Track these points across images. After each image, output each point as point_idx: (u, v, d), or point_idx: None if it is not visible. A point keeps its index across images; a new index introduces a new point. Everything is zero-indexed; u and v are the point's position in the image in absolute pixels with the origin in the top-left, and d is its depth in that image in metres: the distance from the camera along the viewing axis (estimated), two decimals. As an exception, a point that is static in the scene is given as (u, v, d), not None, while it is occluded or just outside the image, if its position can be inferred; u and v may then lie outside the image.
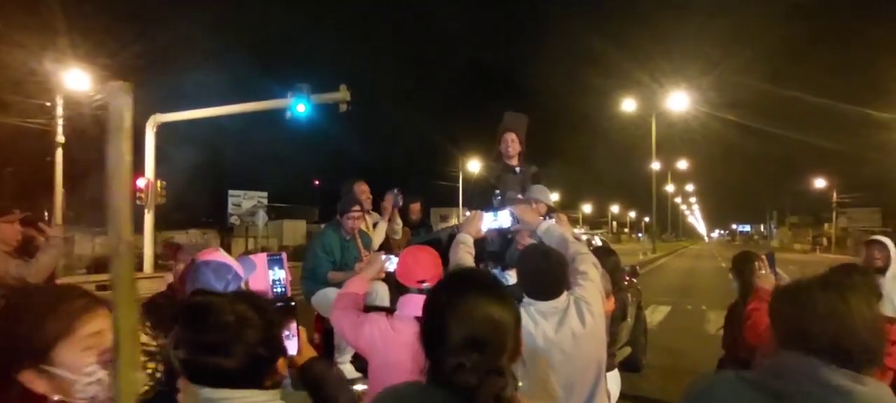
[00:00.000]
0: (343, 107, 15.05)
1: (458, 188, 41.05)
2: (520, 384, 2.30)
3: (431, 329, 1.30)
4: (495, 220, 2.83)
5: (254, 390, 1.29)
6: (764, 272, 3.04)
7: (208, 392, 1.26)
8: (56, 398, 1.16)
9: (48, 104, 17.98)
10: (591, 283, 2.37)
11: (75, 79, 17.94)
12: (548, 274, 2.31)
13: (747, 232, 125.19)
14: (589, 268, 2.42)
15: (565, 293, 2.33)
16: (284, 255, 2.46)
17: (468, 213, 3.25)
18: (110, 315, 1.17)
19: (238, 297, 1.36)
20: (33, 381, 1.15)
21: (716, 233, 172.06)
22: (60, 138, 18.18)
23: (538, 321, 2.24)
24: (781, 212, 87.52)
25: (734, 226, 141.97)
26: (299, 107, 14.87)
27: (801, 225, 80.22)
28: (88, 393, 1.20)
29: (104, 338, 1.21)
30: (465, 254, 2.58)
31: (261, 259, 2.37)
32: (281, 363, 1.37)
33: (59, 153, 18.18)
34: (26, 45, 16.76)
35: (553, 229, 2.62)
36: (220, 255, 2.10)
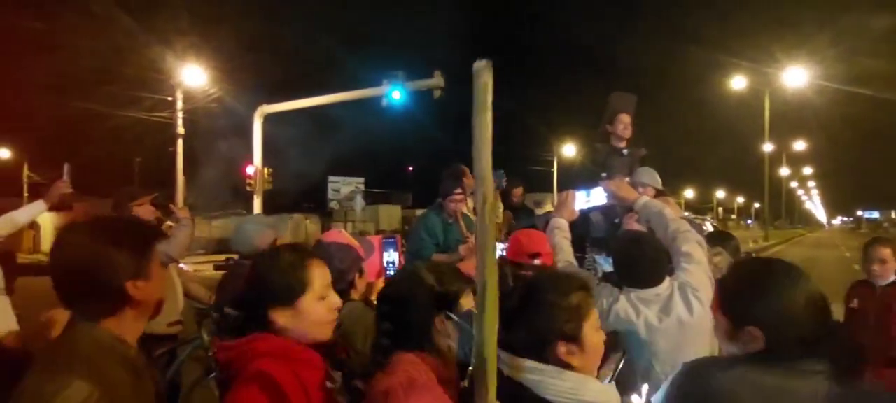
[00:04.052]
0: (437, 93, 15.14)
1: (552, 173, 40.35)
2: (616, 370, 2.17)
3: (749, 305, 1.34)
4: (588, 199, 2.71)
5: (590, 377, 1.35)
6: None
7: (531, 364, 1.32)
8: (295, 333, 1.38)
9: (169, 99, 19.63)
10: (696, 266, 2.18)
11: (192, 76, 19.44)
12: (640, 260, 2.21)
13: (875, 218, 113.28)
14: (693, 249, 2.21)
15: (668, 279, 2.19)
16: (398, 238, 2.47)
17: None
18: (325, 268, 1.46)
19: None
20: (279, 318, 1.38)
21: (838, 220, 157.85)
22: (180, 130, 19.82)
23: (640, 309, 2.14)
24: (917, 197, 78.56)
25: (860, 212, 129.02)
26: (395, 93, 15.14)
27: (942, 210, 71.65)
28: (320, 334, 1.41)
29: (330, 290, 1.45)
30: (560, 239, 2.51)
31: (375, 241, 2.39)
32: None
33: (180, 143, 19.84)
34: (150, 45, 18.34)
35: (651, 204, 2.46)
36: (344, 236, 2.12)
